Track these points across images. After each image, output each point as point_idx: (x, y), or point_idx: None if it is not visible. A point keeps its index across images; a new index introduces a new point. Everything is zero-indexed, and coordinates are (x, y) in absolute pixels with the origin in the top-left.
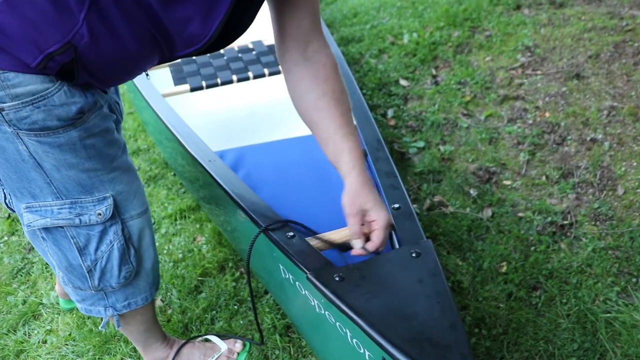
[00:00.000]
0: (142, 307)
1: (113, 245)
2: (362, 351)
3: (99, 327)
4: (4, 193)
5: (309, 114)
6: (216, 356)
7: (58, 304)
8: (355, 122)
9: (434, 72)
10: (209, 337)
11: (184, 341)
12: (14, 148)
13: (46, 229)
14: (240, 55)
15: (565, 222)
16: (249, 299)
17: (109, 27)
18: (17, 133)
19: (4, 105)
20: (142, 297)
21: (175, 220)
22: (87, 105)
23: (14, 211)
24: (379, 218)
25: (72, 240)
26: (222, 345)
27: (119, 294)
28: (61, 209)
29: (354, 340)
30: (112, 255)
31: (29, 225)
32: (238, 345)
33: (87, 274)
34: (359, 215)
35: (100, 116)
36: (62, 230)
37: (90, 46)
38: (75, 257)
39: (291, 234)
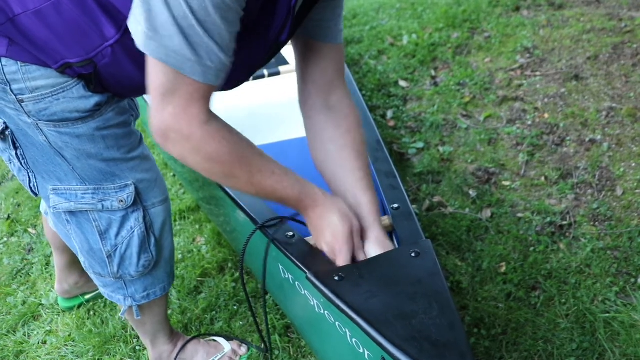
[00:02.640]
0: (159, 299)
1: (134, 231)
2: (361, 350)
3: (119, 314)
4: (29, 176)
5: (327, 164)
6: (219, 356)
7: (57, 304)
8: None
9: (433, 73)
10: (215, 338)
11: (189, 337)
12: (36, 137)
13: (70, 212)
14: None
15: (564, 222)
16: (251, 299)
17: (131, 57)
18: (37, 124)
19: (24, 97)
20: (160, 287)
21: (175, 221)
22: (104, 99)
23: (37, 195)
24: None
25: (94, 224)
26: (227, 345)
27: (138, 284)
28: (85, 193)
29: (354, 339)
30: (132, 241)
31: (55, 208)
32: (243, 349)
33: (106, 259)
34: None
35: (117, 109)
36: (86, 214)
37: (108, 67)
38: (97, 241)
39: (291, 233)
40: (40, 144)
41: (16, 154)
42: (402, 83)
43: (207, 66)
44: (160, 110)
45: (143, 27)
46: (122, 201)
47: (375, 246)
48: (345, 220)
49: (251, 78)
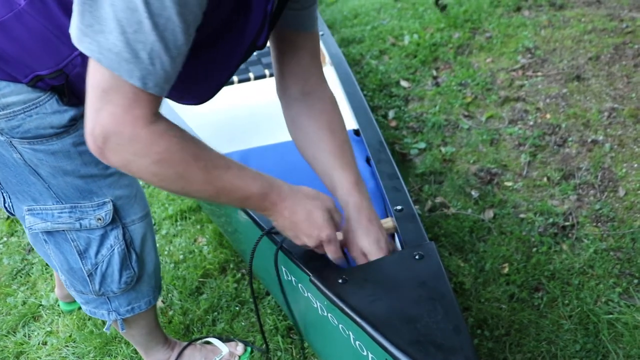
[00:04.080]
0: (145, 311)
1: (114, 249)
2: (365, 353)
3: (104, 329)
4: (4, 197)
5: (307, 149)
6: (217, 359)
7: (58, 305)
8: (357, 126)
9: (434, 73)
10: (210, 339)
11: (185, 343)
12: (9, 155)
13: (48, 232)
14: None
15: (567, 223)
16: (251, 300)
17: None
18: (10, 141)
19: None
20: (145, 301)
21: (176, 221)
22: (80, 112)
23: (13, 215)
24: (369, 253)
25: (72, 244)
26: (224, 348)
27: (121, 298)
28: (61, 212)
29: (357, 342)
30: (112, 259)
31: (31, 228)
32: (240, 348)
33: (87, 277)
34: (361, 257)
35: None
36: (63, 234)
37: (81, 76)
38: (76, 260)
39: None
40: (13, 163)
41: None
42: (404, 83)
43: (147, 70)
44: (98, 110)
45: (77, 20)
46: (100, 219)
47: (356, 235)
48: (317, 204)
49: (252, 78)
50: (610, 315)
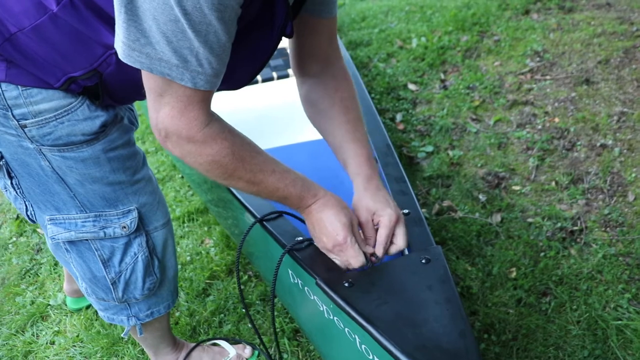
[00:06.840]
0: (161, 315)
1: (137, 257)
2: (370, 357)
3: (122, 335)
4: (26, 205)
5: (319, 123)
6: None
7: (66, 305)
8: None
9: (442, 76)
10: (218, 341)
11: (193, 345)
12: (37, 164)
13: (70, 242)
14: None
15: (575, 228)
16: (257, 302)
17: None
18: (40, 149)
19: (26, 122)
20: (164, 305)
21: (183, 222)
22: (109, 119)
23: (34, 222)
24: (383, 216)
25: (96, 253)
26: (231, 350)
27: (142, 304)
28: (85, 222)
29: (363, 346)
30: (136, 267)
31: (53, 238)
32: (247, 351)
33: (111, 285)
34: (370, 221)
35: (122, 129)
36: (87, 243)
37: (114, 74)
38: (100, 269)
39: (300, 238)
40: (39, 172)
41: (11, 183)
42: (412, 86)
43: (196, 71)
44: (157, 110)
45: (121, 36)
46: (124, 227)
47: (354, 205)
48: (344, 213)
49: (260, 80)
50: (619, 322)
